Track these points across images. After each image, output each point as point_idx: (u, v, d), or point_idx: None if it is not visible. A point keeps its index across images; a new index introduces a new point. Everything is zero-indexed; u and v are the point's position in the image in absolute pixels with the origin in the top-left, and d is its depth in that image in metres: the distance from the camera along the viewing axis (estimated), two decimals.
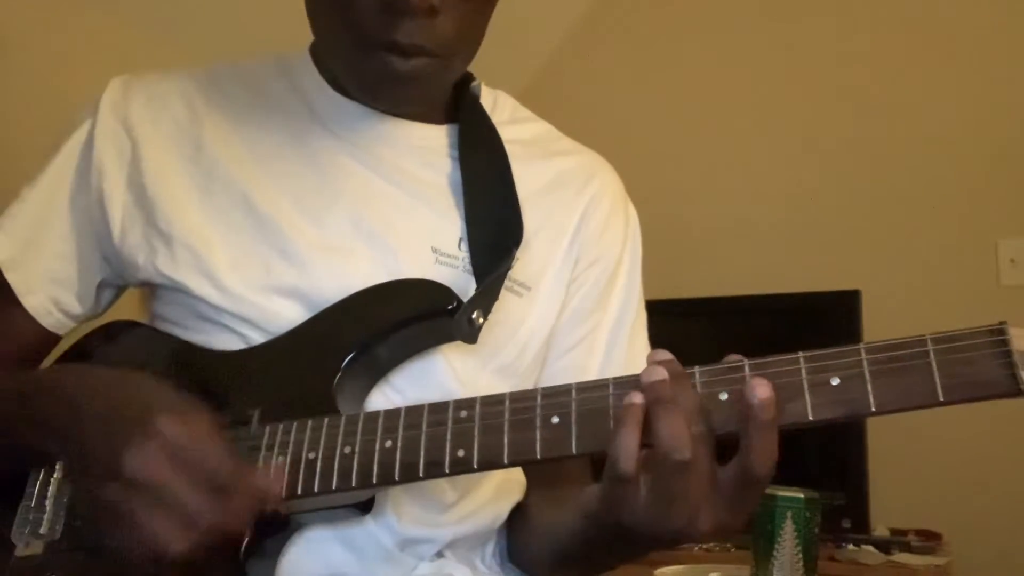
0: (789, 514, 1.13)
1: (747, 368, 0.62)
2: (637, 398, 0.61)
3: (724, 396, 0.61)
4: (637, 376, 0.62)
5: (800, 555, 1.13)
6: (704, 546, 1.79)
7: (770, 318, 2.15)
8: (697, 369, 0.63)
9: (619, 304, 0.91)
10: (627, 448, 0.60)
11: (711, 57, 2.48)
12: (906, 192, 2.21)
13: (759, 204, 2.36)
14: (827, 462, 1.97)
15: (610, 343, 0.90)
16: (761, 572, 1.14)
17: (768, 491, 1.14)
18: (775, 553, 1.13)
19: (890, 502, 1.99)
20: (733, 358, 0.63)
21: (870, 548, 1.79)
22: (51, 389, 0.74)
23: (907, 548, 1.80)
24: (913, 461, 2.03)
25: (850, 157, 2.28)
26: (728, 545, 1.80)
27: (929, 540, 1.87)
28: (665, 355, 0.63)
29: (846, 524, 1.91)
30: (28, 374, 0.81)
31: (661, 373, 0.61)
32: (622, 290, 0.91)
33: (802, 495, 1.13)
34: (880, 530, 1.94)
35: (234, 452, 0.65)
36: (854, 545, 1.80)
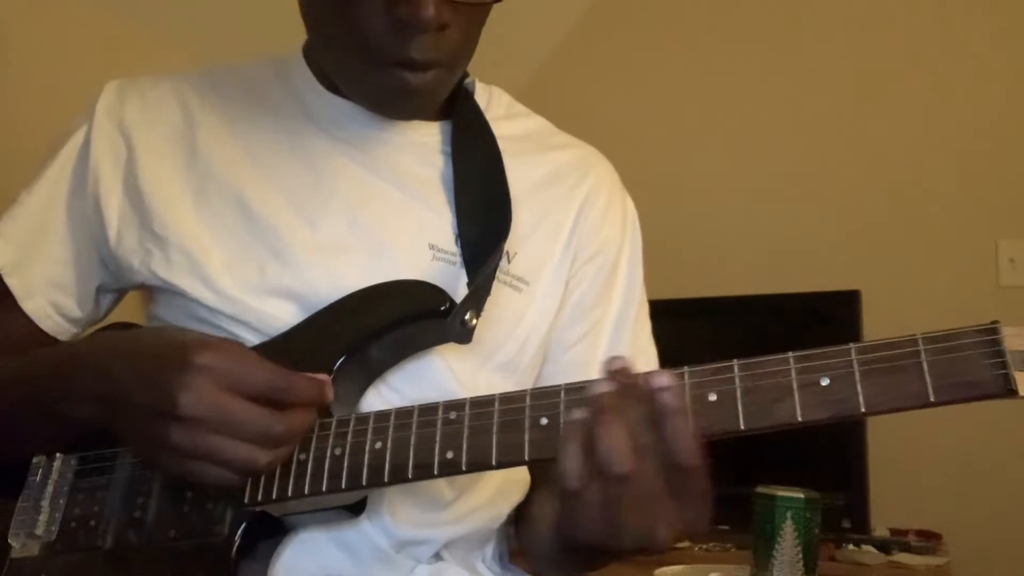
0: (789, 514, 1.13)
1: (736, 368, 0.61)
2: (581, 413, 0.61)
3: (713, 397, 0.61)
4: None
5: (800, 555, 1.13)
6: (704, 546, 1.79)
7: (770, 318, 2.14)
8: (686, 370, 0.63)
9: (621, 297, 0.91)
10: (571, 464, 0.60)
11: (711, 56, 2.48)
12: (906, 192, 2.21)
13: (759, 204, 2.36)
14: (827, 462, 1.97)
15: (614, 337, 0.90)
16: (761, 572, 1.14)
17: (768, 491, 1.14)
18: (775, 553, 1.13)
19: (890, 502, 1.99)
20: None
21: (870, 548, 1.79)
22: (72, 359, 0.75)
23: (907, 548, 1.80)
24: (913, 461, 2.03)
25: (850, 157, 2.28)
26: (728, 545, 1.79)
27: (929, 540, 1.87)
28: (620, 363, 0.62)
29: (846, 524, 1.90)
30: (40, 354, 0.81)
31: (606, 386, 0.61)
32: (624, 283, 0.91)
33: (802, 495, 1.14)
34: (880, 530, 1.94)
35: (275, 365, 0.68)
36: (854, 545, 1.80)
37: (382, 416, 0.70)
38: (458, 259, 0.82)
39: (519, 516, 0.88)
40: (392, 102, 0.81)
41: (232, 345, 0.69)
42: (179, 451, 0.66)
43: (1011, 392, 0.56)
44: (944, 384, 0.57)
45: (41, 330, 0.86)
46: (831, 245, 2.26)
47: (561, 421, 0.64)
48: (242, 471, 0.66)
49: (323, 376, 0.70)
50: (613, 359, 0.62)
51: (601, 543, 0.62)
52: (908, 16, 2.26)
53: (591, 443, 0.60)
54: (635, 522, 0.60)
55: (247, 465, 0.65)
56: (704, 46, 2.50)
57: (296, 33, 0.90)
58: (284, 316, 0.79)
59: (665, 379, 0.59)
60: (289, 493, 0.70)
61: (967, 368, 0.57)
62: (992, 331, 0.57)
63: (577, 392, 0.65)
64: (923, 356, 0.58)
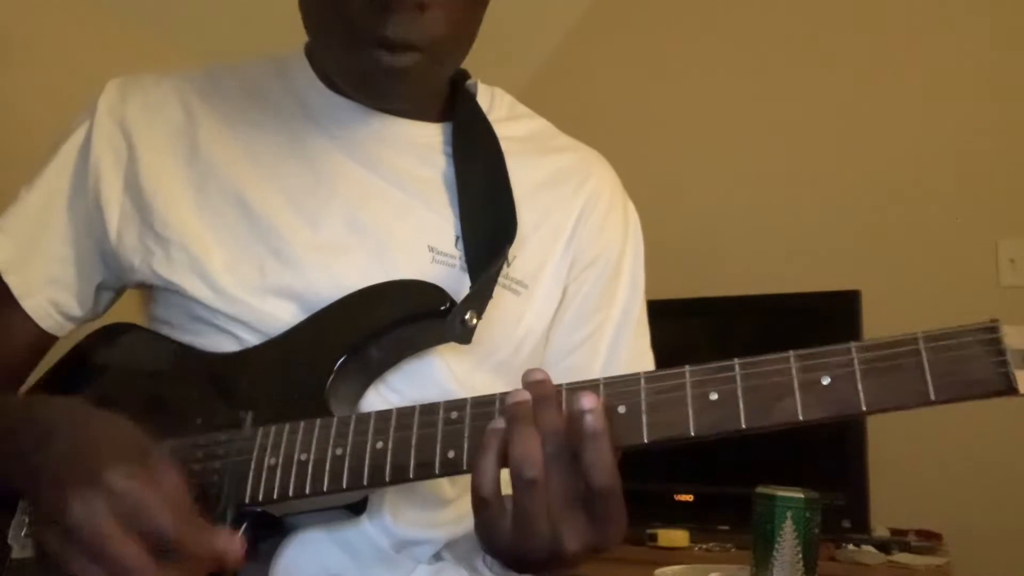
0: (789, 514, 1.13)
1: (737, 367, 0.62)
2: (500, 423, 0.62)
3: (714, 396, 0.61)
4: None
5: (800, 555, 1.12)
6: (704, 546, 1.79)
7: (770, 318, 2.14)
8: (687, 369, 0.63)
9: (622, 304, 0.91)
10: (486, 472, 0.62)
11: (712, 56, 2.48)
12: (906, 192, 2.21)
13: (759, 204, 2.36)
14: (827, 462, 1.97)
15: (614, 342, 0.90)
16: (761, 572, 1.14)
17: (768, 491, 1.14)
18: (775, 553, 1.13)
19: (890, 502, 1.99)
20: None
21: (870, 548, 1.79)
22: (25, 422, 0.71)
23: (907, 548, 1.80)
24: (913, 461, 2.03)
25: (850, 157, 2.28)
26: (728, 545, 1.79)
27: (929, 540, 1.86)
28: (539, 375, 0.63)
29: (846, 524, 1.90)
30: (8, 402, 0.78)
31: (523, 395, 0.62)
32: (626, 288, 0.91)
33: (802, 495, 1.13)
34: (880, 530, 1.94)
35: (189, 512, 0.61)
36: (854, 545, 1.80)
37: (383, 416, 0.70)
38: (457, 261, 0.82)
39: None
40: (369, 83, 0.79)
41: (155, 475, 0.61)
42: (49, 552, 0.60)
43: (1012, 390, 0.56)
44: (945, 383, 0.57)
45: (41, 328, 0.86)
46: (831, 245, 2.25)
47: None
48: None
49: (232, 537, 0.63)
50: (531, 371, 0.64)
51: (510, 552, 0.63)
52: (908, 16, 2.25)
53: (504, 450, 0.61)
54: (544, 532, 0.61)
55: None
56: (704, 46, 2.50)
57: (297, 33, 0.90)
58: (284, 316, 0.79)
59: (589, 401, 0.60)
60: (290, 493, 0.70)
61: (968, 367, 0.57)
62: (992, 330, 0.57)
63: (487, 405, 0.66)
64: (924, 355, 0.58)
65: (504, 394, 0.65)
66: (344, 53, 0.78)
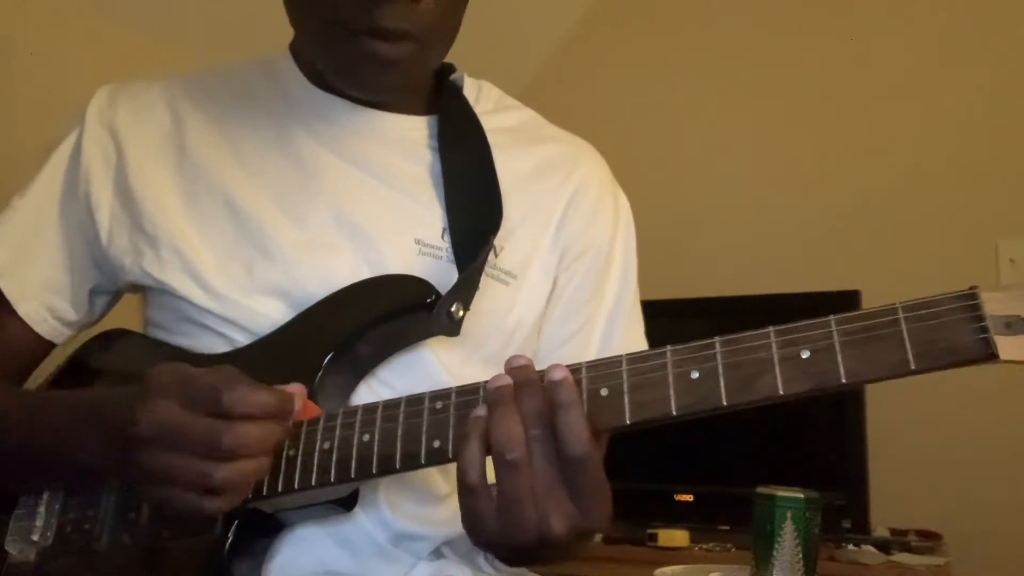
0: (789, 514, 1.12)
1: (718, 345, 0.61)
2: (482, 411, 0.62)
3: (695, 375, 0.61)
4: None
5: (800, 555, 1.12)
6: (704, 546, 1.79)
7: (770, 318, 2.14)
8: (668, 348, 0.63)
9: (614, 294, 0.91)
10: (471, 458, 0.62)
11: (711, 56, 2.48)
12: (906, 192, 2.20)
13: (759, 204, 2.36)
14: (827, 462, 1.97)
15: (606, 333, 0.90)
16: (761, 572, 1.13)
17: (768, 491, 1.14)
18: (775, 553, 1.12)
19: (890, 502, 1.99)
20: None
21: (870, 548, 1.79)
22: (43, 401, 0.74)
23: (907, 548, 1.80)
24: (913, 461, 2.03)
25: (850, 157, 2.28)
26: (728, 545, 1.79)
27: (929, 540, 1.86)
28: (521, 361, 0.64)
29: (846, 524, 1.90)
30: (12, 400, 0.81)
31: (504, 380, 0.62)
32: (616, 280, 0.91)
33: (802, 495, 1.13)
34: (880, 530, 1.94)
35: (233, 378, 0.66)
36: (854, 545, 1.80)
37: (369, 409, 0.70)
38: (444, 253, 0.82)
39: None
40: (362, 73, 0.79)
41: (182, 366, 0.68)
42: (143, 474, 0.65)
43: (992, 356, 0.55)
44: (925, 351, 0.57)
45: (36, 334, 0.86)
46: (831, 245, 2.25)
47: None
48: (198, 487, 0.64)
49: (293, 387, 0.69)
50: (514, 357, 0.64)
51: (499, 540, 0.63)
52: (907, 16, 2.25)
53: (487, 437, 0.61)
54: (530, 516, 0.61)
55: (200, 481, 0.63)
56: (704, 46, 2.50)
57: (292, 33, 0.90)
58: (274, 314, 0.79)
59: (559, 373, 0.61)
60: (279, 489, 0.70)
61: (948, 334, 0.56)
62: (972, 296, 0.56)
63: (473, 393, 0.66)
64: (903, 324, 0.57)
65: (487, 381, 0.65)
66: (334, 43, 0.77)
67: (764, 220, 2.34)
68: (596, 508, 0.62)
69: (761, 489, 1.15)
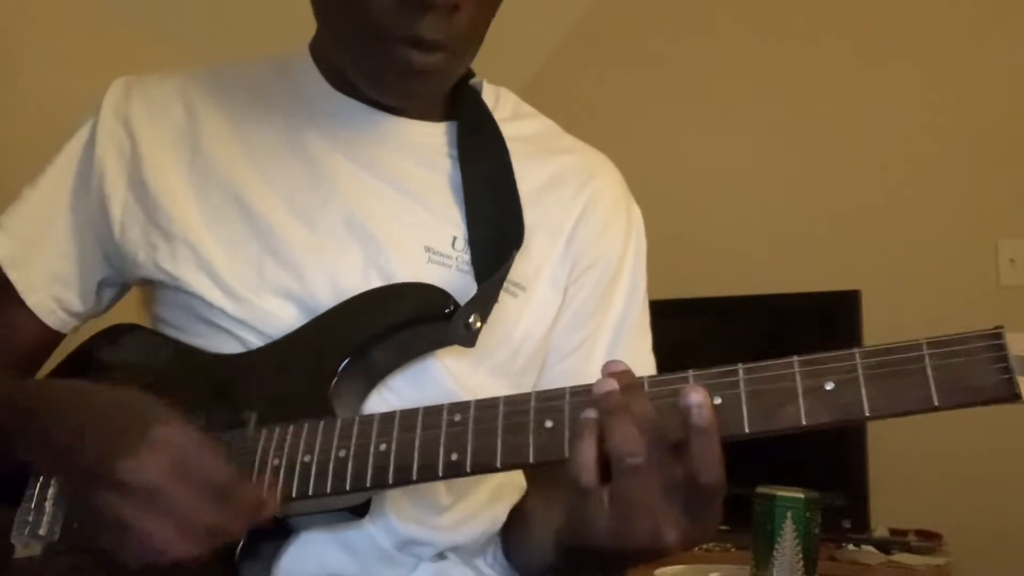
0: (789, 514, 1.13)
1: (741, 372, 0.61)
2: (591, 412, 0.61)
3: (718, 400, 0.61)
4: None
5: (800, 555, 1.12)
6: (704, 546, 1.79)
7: (770, 318, 2.15)
8: (691, 373, 0.62)
9: (621, 306, 0.90)
10: (586, 460, 0.60)
11: (712, 56, 2.48)
12: (906, 192, 2.21)
13: (759, 204, 2.36)
14: (827, 462, 1.97)
15: (612, 345, 0.89)
16: (761, 572, 1.14)
17: (768, 491, 1.14)
18: (775, 553, 1.13)
19: (890, 502, 1.99)
20: None
21: (870, 548, 1.79)
22: (46, 404, 0.74)
23: (907, 548, 1.80)
24: (913, 461, 2.03)
25: (850, 157, 2.28)
26: (728, 545, 1.79)
27: (929, 540, 1.87)
28: (619, 366, 0.63)
29: (846, 524, 1.91)
30: (23, 385, 0.80)
31: (611, 384, 0.61)
32: (624, 292, 0.90)
33: (802, 495, 1.13)
34: (880, 530, 1.94)
35: (229, 462, 0.66)
36: (854, 545, 1.80)
37: (386, 418, 0.69)
38: (454, 262, 0.81)
39: (507, 525, 0.87)
40: (395, 81, 0.79)
41: (194, 430, 0.66)
42: (104, 516, 0.64)
43: (1016, 397, 0.55)
44: (948, 389, 0.57)
45: (45, 324, 0.86)
46: (831, 245, 2.26)
47: (566, 424, 0.64)
48: (149, 552, 0.63)
49: (273, 482, 0.69)
50: (611, 363, 0.63)
51: (608, 544, 0.61)
52: (908, 16, 2.26)
53: (602, 438, 0.60)
54: (644, 522, 0.60)
55: (162, 547, 0.62)
56: (704, 47, 2.50)
57: (298, 32, 0.90)
58: (283, 315, 0.79)
59: (698, 396, 0.59)
60: (293, 494, 0.70)
61: (972, 373, 0.56)
62: (996, 336, 0.57)
63: (584, 395, 0.65)
64: (927, 361, 0.57)
65: (574, 388, 0.64)
66: (369, 51, 0.77)
67: (764, 220, 2.34)
68: (710, 523, 0.61)
69: (761, 489, 1.15)
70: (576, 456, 0.61)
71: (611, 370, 0.63)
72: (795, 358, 0.61)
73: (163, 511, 0.62)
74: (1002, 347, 0.56)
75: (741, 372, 0.61)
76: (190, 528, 0.63)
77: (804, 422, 0.59)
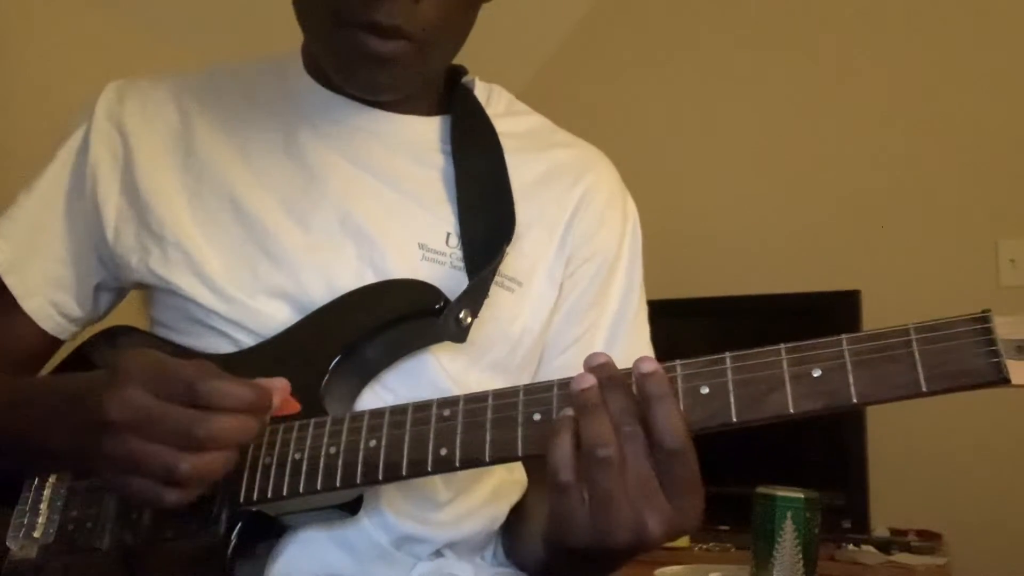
0: (789, 514, 1.12)
1: (728, 361, 0.61)
2: (569, 411, 0.61)
3: (706, 390, 0.61)
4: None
5: (800, 555, 1.12)
6: (704, 546, 1.79)
7: (770, 318, 2.15)
8: (678, 363, 0.62)
9: (618, 300, 0.90)
10: (563, 456, 0.60)
11: (711, 56, 2.48)
12: (906, 192, 2.21)
13: (759, 204, 2.36)
14: (827, 462, 1.97)
15: (609, 339, 0.89)
16: (761, 572, 1.13)
17: (768, 491, 1.14)
18: (775, 553, 1.12)
19: (890, 502, 1.99)
20: None
21: (870, 548, 1.79)
22: (23, 392, 0.74)
23: (907, 548, 1.80)
24: (913, 461, 2.03)
25: (850, 157, 2.28)
26: (728, 545, 1.79)
27: (929, 540, 1.87)
28: (600, 359, 0.62)
29: (846, 524, 1.91)
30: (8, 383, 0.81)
31: (588, 381, 0.61)
32: (621, 286, 0.90)
33: (802, 495, 1.13)
34: (880, 530, 1.94)
35: (205, 368, 0.65)
36: (854, 545, 1.80)
37: (376, 414, 0.70)
38: (448, 259, 0.81)
39: (508, 522, 0.87)
40: (354, 67, 0.78)
41: (155, 352, 0.67)
42: (110, 461, 0.64)
43: (1004, 380, 0.55)
44: (936, 373, 0.57)
45: (42, 330, 0.86)
46: (831, 245, 2.26)
47: (555, 416, 0.64)
48: (161, 477, 0.63)
49: (275, 381, 0.68)
50: (594, 355, 0.63)
51: (592, 543, 0.61)
52: (908, 16, 2.26)
53: (577, 435, 0.60)
54: (625, 514, 0.59)
55: (165, 469, 0.62)
56: (704, 46, 2.50)
57: (296, 33, 0.90)
58: (278, 316, 0.79)
59: (649, 365, 0.60)
60: (284, 492, 0.70)
61: (959, 357, 0.56)
62: (984, 319, 0.57)
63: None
64: (915, 346, 0.57)
65: (561, 380, 0.64)
66: (331, 36, 0.77)
67: (764, 220, 2.34)
68: (692, 507, 0.61)
69: (761, 489, 1.15)
70: (553, 452, 0.61)
71: (592, 363, 0.63)
72: (782, 346, 0.61)
73: (151, 432, 0.62)
74: (989, 331, 0.56)
75: (728, 361, 0.61)
76: (181, 439, 0.62)
77: (791, 410, 0.59)
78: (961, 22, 2.20)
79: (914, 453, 2.00)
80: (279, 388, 0.68)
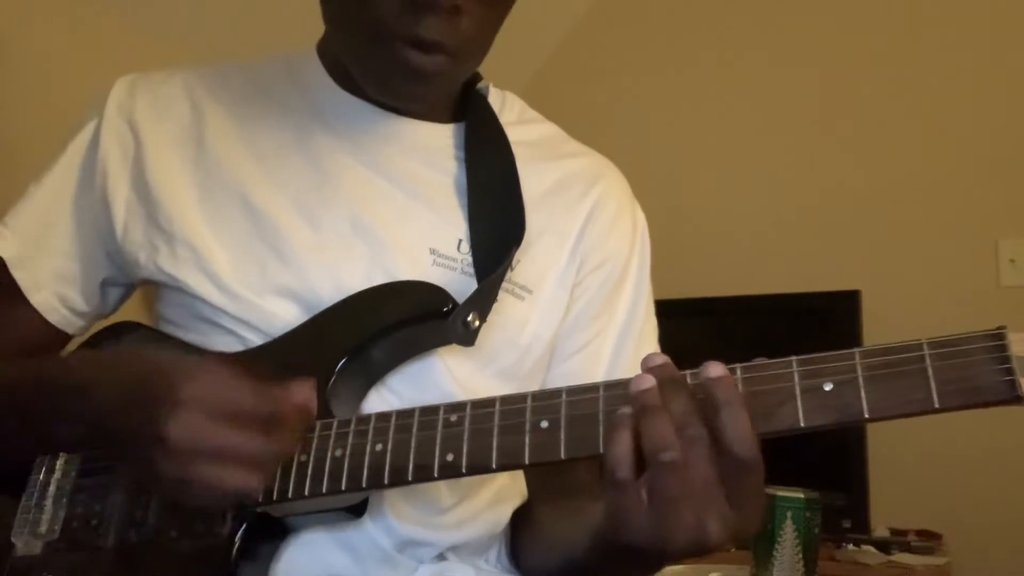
0: (789, 514, 1.13)
1: (739, 372, 0.61)
2: (627, 409, 0.60)
3: None
4: (626, 380, 0.62)
5: (800, 555, 1.13)
6: None
7: (770, 318, 2.15)
8: (688, 373, 0.62)
9: (626, 309, 0.90)
10: (621, 454, 0.59)
11: (713, 56, 2.48)
12: (906, 192, 2.21)
13: (760, 204, 2.36)
14: (827, 462, 1.97)
15: (616, 348, 0.88)
16: (761, 572, 1.14)
17: (768, 491, 1.14)
18: (775, 553, 1.13)
19: (890, 502, 1.99)
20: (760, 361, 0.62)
21: (870, 548, 1.79)
22: (57, 377, 0.74)
23: (907, 548, 1.81)
24: (913, 461, 2.03)
25: (850, 157, 2.28)
26: (728, 545, 1.79)
27: (929, 540, 1.87)
28: (659, 359, 0.62)
29: (846, 524, 1.91)
30: (27, 366, 0.80)
31: (648, 382, 0.60)
32: (630, 295, 0.90)
33: (802, 495, 1.14)
34: (880, 530, 1.94)
35: (262, 384, 0.66)
36: (854, 545, 1.81)
37: (383, 417, 0.69)
38: (459, 265, 0.81)
39: (514, 530, 0.87)
40: (394, 82, 0.79)
41: (217, 371, 0.67)
42: (172, 480, 0.65)
43: (1017, 399, 0.55)
44: (949, 390, 0.56)
45: (48, 323, 0.86)
46: (831, 245, 2.26)
47: (562, 425, 0.64)
48: (237, 495, 0.65)
49: (308, 386, 0.69)
50: (652, 355, 0.63)
51: (651, 542, 0.60)
52: (908, 17, 2.26)
53: (637, 437, 0.59)
54: (687, 518, 0.58)
55: (242, 490, 0.64)
56: (705, 46, 2.50)
57: (303, 33, 0.90)
58: (285, 315, 0.78)
59: (718, 370, 0.59)
60: (289, 494, 0.70)
61: (973, 374, 0.56)
62: (998, 336, 0.56)
63: (579, 394, 0.64)
64: (928, 361, 0.57)
65: (617, 381, 0.64)
66: (371, 50, 0.77)
67: (764, 220, 2.35)
68: (755, 513, 0.60)
69: None
70: (610, 449, 0.60)
71: (651, 364, 0.62)
72: (793, 358, 0.60)
73: (223, 457, 0.63)
74: (1004, 348, 0.55)
75: (739, 372, 0.61)
76: (256, 461, 0.64)
77: (802, 423, 0.59)
78: (961, 23, 2.20)
79: (914, 453, 2.00)
80: (311, 395, 0.69)
